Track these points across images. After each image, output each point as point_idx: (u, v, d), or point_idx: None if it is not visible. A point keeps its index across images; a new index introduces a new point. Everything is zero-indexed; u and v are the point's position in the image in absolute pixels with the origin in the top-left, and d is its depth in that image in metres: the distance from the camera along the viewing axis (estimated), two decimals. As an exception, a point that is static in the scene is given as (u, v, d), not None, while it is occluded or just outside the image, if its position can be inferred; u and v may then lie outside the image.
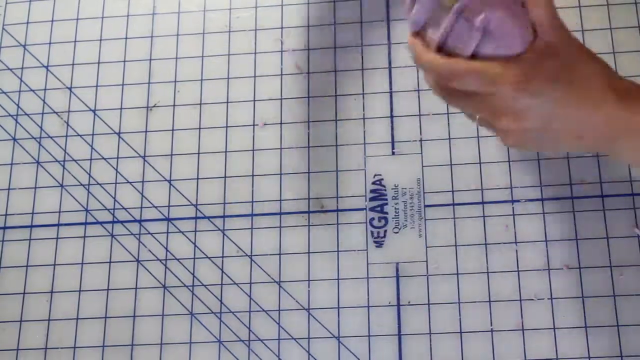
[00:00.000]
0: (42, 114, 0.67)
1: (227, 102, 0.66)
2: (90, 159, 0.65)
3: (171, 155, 0.65)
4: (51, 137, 0.66)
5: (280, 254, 0.61)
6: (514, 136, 0.41)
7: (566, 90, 0.40)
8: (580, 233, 0.58)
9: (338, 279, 0.60)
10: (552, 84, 0.40)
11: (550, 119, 0.40)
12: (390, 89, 0.64)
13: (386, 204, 0.61)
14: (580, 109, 0.40)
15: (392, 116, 0.63)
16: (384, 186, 0.62)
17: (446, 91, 0.42)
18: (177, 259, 0.62)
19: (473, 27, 0.39)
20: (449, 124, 0.62)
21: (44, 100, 0.67)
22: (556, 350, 0.56)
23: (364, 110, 0.64)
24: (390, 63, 0.65)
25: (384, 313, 0.58)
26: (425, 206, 0.60)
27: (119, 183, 0.64)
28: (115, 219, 0.63)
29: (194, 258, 0.62)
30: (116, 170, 0.65)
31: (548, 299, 0.57)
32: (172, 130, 0.65)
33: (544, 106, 0.40)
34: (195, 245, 0.62)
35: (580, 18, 0.63)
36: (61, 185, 0.65)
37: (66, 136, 0.66)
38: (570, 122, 0.41)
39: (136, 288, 0.61)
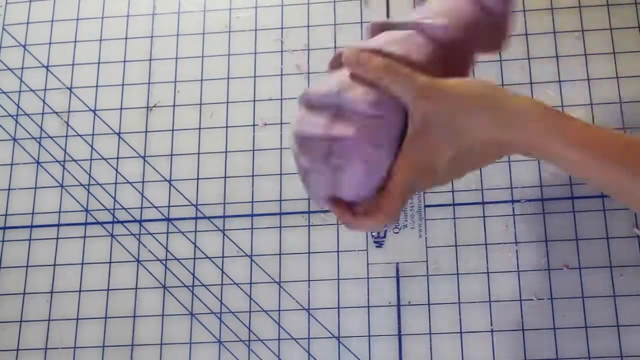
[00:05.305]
0: (42, 114, 0.67)
1: (227, 102, 0.66)
2: (90, 159, 0.65)
3: (171, 155, 0.65)
4: (51, 137, 0.66)
5: (280, 254, 0.61)
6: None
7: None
8: (580, 233, 0.58)
9: (338, 279, 0.60)
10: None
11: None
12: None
13: (386, 204, 0.61)
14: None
15: (392, 116, 0.63)
16: (384, 186, 0.61)
17: None
18: (177, 259, 0.62)
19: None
20: (449, 124, 0.62)
21: (44, 100, 0.67)
22: (556, 350, 0.56)
23: (364, 110, 0.64)
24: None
25: (384, 313, 0.58)
26: (425, 206, 0.60)
27: (119, 183, 0.64)
28: (115, 219, 0.63)
29: (194, 258, 0.62)
30: (116, 170, 0.65)
31: (548, 299, 0.57)
32: (172, 130, 0.65)
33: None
34: (195, 246, 0.62)
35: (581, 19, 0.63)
36: (61, 185, 0.65)
37: (66, 136, 0.66)
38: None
39: (136, 288, 0.61)
